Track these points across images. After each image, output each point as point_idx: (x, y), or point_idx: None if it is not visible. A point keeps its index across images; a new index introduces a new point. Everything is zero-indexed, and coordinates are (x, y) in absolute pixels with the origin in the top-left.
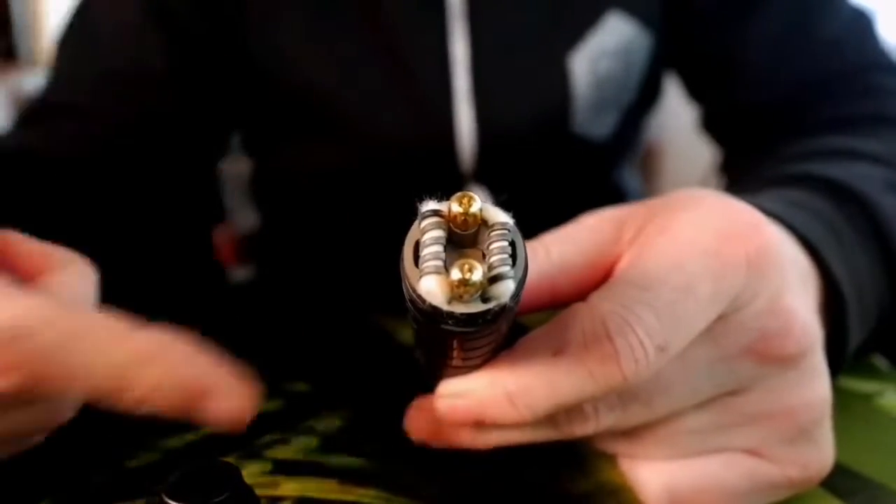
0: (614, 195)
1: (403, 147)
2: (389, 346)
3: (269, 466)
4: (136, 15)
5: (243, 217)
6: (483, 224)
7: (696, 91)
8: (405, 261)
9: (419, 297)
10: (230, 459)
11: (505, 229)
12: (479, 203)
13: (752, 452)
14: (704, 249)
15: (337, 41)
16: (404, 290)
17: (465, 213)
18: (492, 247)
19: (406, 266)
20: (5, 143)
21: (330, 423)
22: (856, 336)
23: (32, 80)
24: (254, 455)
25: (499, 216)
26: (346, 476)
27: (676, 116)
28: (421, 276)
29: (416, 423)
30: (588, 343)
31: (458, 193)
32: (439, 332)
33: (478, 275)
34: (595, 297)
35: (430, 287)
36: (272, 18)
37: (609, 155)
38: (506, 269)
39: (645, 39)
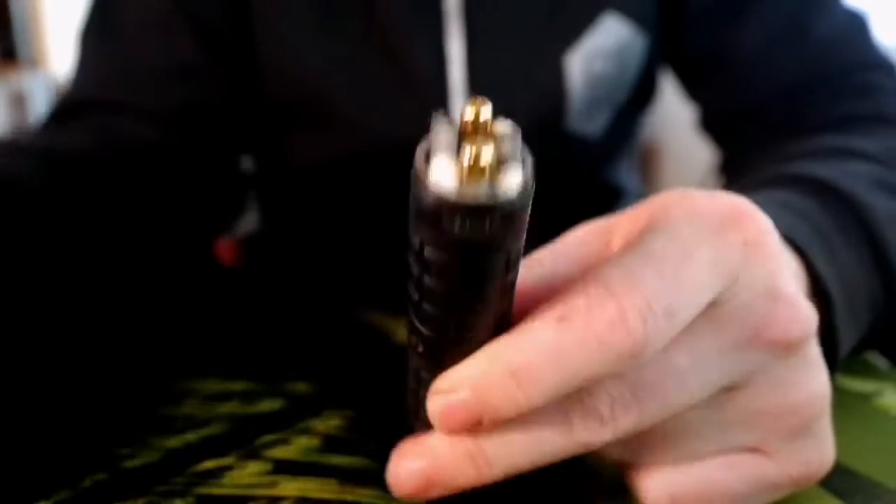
0: (610, 193)
1: (400, 144)
2: (389, 346)
3: (269, 466)
4: (161, 10)
5: (243, 217)
6: (493, 137)
7: (692, 91)
8: (417, 165)
9: (429, 190)
10: (230, 459)
11: (513, 130)
12: (490, 108)
13: (753, 450)
14: (700, 228)
15: (336, 38)
16: (411, 203)
17: (477, 114)
18: (499, 135)
19: (417, 167)
20: (47, 143)
21: (330, 423)
22: (846, 335)
23: (32, 80)
24: (254, 455)
25: (508, 126)
26: (346, 476)
27: (676, 116)
28: (432, 163)
29: (403, 472)
30: (593, 307)
31: (471, 99)
32: (443, 248)
33: (488, 154)
34: (596, 267)
35: (442, 170)
36: (274, 14)
37: (602, 152)
38: (516, 156)
39: (640, 40)
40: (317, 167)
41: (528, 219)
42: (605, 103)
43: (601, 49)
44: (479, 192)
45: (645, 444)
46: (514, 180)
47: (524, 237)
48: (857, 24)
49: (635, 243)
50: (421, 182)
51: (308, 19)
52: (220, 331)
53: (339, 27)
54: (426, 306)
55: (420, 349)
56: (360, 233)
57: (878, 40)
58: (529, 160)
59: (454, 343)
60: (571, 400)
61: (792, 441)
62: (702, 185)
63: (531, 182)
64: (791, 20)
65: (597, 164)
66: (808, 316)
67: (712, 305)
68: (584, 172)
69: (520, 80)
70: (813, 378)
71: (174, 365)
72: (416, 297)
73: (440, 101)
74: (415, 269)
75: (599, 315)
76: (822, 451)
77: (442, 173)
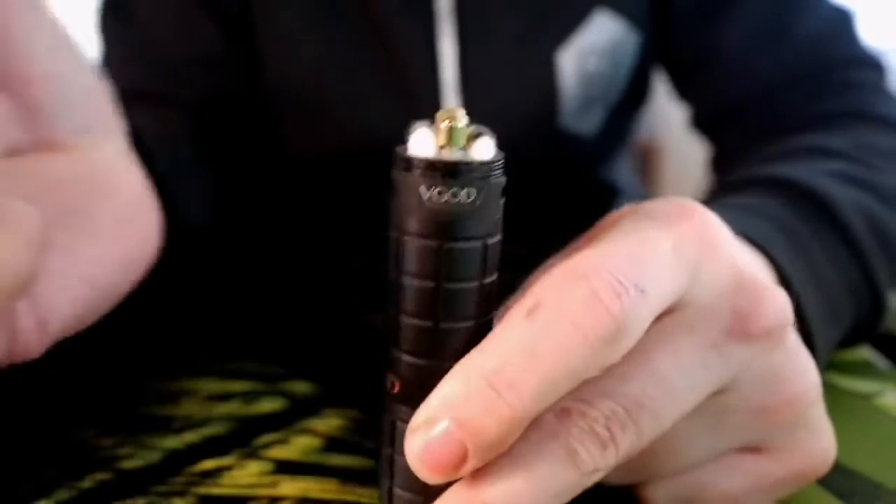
0: (606, 192)
1: (394, 142)
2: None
3: (269, 466)
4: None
5: None
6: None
7: (680, 90)
8: (396, 150)
9: (409, 158)
10: (230, 459)
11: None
12: (465, 117)
13: (754, 450)
14: (654, 224)
15: (332, 35)
16: (392, 201)
17: (451, 120)
18: (471, 125)
19: (397, 149)
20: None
21: (330, 423)
22: (822, 328)
23: None
24: (254, 455)
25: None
26: (346, 476)
27: (676, 116)
28: (411, 135)
29: None
30: (562, 292)
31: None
32: (421, 228)
33: (463, 120)
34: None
35: (421, 136)
36: (271, 9)
37: (597, 151)
38: (485, 130)
39: (633, 38)
40: (312, 165)
41: (501, 214)
42: (598, 101)
43: (594, 47)
44: (454, 154)
45: (644, 462)
46: (487, 148)
47: (500, 238)
48: (841, 21)
49: (592, 240)
50: (400, 155)
51: (304, 16)
52: (220, 331)
53: (334, 25)
54: (403, 319)
55: (396, 388)
56: (355, 231)
57: (862, 37)
58: (502, 157)
59: (432, 372)
60: (566, 427)
61: (789, 435)
62: (701, 184)
63: (502, 161)
64: (773, 18)
65: (592, 163)
66: (781, 303)
67: (683, 307)
68: (579, 171)
69: (512, 78)
70: (799, 368)
71: (174, 365)
72: (392, 310)
73: (433, 99)
74: (392, 274)
75: (570, 298)
76: (822, 442)
77: (421, 141)
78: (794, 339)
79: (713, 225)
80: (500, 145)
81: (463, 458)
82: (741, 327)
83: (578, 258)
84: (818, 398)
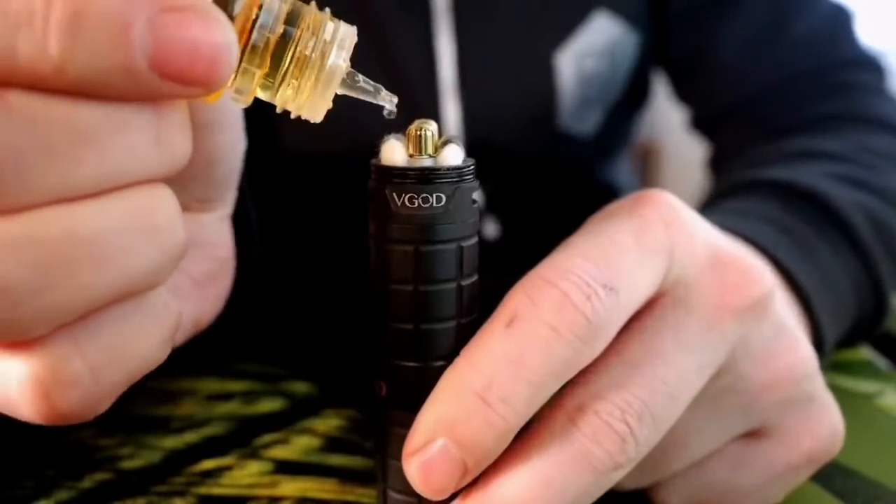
0: (605, 191)
1: None
2: None
3: (269, 466)
4: None
5: None
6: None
7: (679, 91)
8: (372, 161)
9: (381, 166)
10: (230, 459)
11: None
12: (435, 126)
13: (758, 436)
14: (616, 218)
15: None
16: (368, 192)
17: (420, 130)
18: (443, 136)
19: (372, 161)
20: None
21: (330, 423)
22: (830, 326)
23: None
24: (254, 455)
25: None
26: (346, 476)
27: (676, 117)
28: (383, 146)
29: None
30: (535, 300)
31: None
32: (397, 234)
33: (433, 128)
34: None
35: (392, 145)
36: None
37: (595, 151)
38: (455, 138)
39: (632, 39)
40: (307, 164)
41: (476, 218)
42: (597, 102)
43: (592, 48)
44: (423, 161)
45: (654, 462)
46: (455, 154)
47: (476, 241)
48: (839, 21)
49: (562, 247)
50: (373, 165)
51: None
52: (220, 330)
53: None
54: (385, 323)
55: (383, 391)
56: (352, 230)
57: (862, 37)
58: (472, 163)
59: (416, 374)
60: (580, 427)
61: (790, 412)
62: (701, 185)
63: (472, 167)
64: (771, 19)
65: (591, 164)
66: (762, 273)
67: (672, 288)
68: (579, 172)
69: (510, 79)
70: (787, 339)
71: (174, 365)
72: (374, 314)
73: (431, 99)
74: (372, 280)
75: (543, 304)
76: (826, 420)
77: (391, 150)
78: (778, 309)
79: (675, 207)
80: (499, 146)
81: (463, 474)
82: (732, 301)
83: (548, 265)
84: (813, 372)
